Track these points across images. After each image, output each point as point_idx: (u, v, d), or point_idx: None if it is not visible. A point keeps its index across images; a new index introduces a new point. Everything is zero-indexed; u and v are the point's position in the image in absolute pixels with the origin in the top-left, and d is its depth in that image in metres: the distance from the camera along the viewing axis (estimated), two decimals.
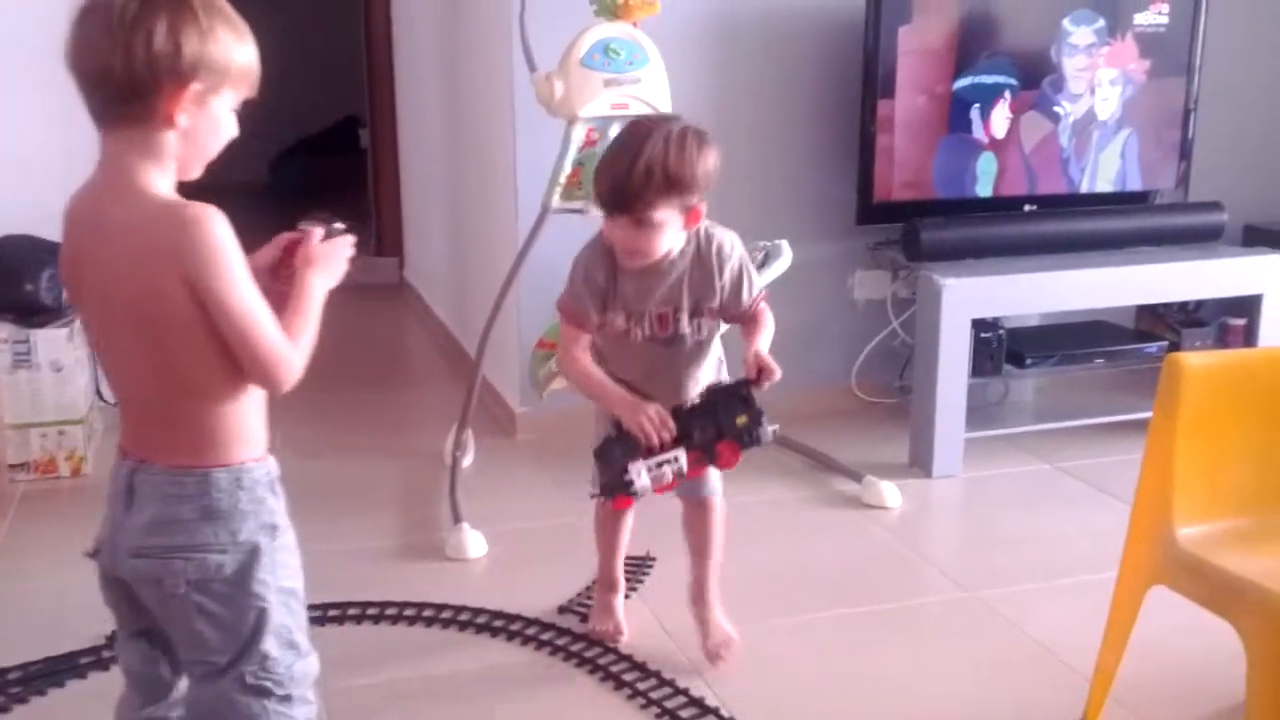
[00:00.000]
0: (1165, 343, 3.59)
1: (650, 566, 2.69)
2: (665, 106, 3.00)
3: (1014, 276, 3.33)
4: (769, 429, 2.08)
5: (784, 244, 2.80)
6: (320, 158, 8.74)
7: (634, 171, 2.02)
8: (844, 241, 3.69)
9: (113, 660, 2.32)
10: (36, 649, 2.35)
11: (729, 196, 3.63)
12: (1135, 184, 3.72)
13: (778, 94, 3.65)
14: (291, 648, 1.50)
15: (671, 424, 2.08)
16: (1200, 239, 3.62)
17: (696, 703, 2.18)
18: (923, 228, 3.37)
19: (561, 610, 2.52)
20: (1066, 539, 2.91)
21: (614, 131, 3.00)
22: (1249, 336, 3.55)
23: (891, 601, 2.55)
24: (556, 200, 2.99)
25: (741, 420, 2.08)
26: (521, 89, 3.28)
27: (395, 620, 2.51)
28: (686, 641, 2.38)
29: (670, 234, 2.09)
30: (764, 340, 2.17)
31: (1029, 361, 3.48)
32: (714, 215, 3.58)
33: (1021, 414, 3.76)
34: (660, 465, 2.06)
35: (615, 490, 2.08)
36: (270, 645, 1.47)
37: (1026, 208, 3.60)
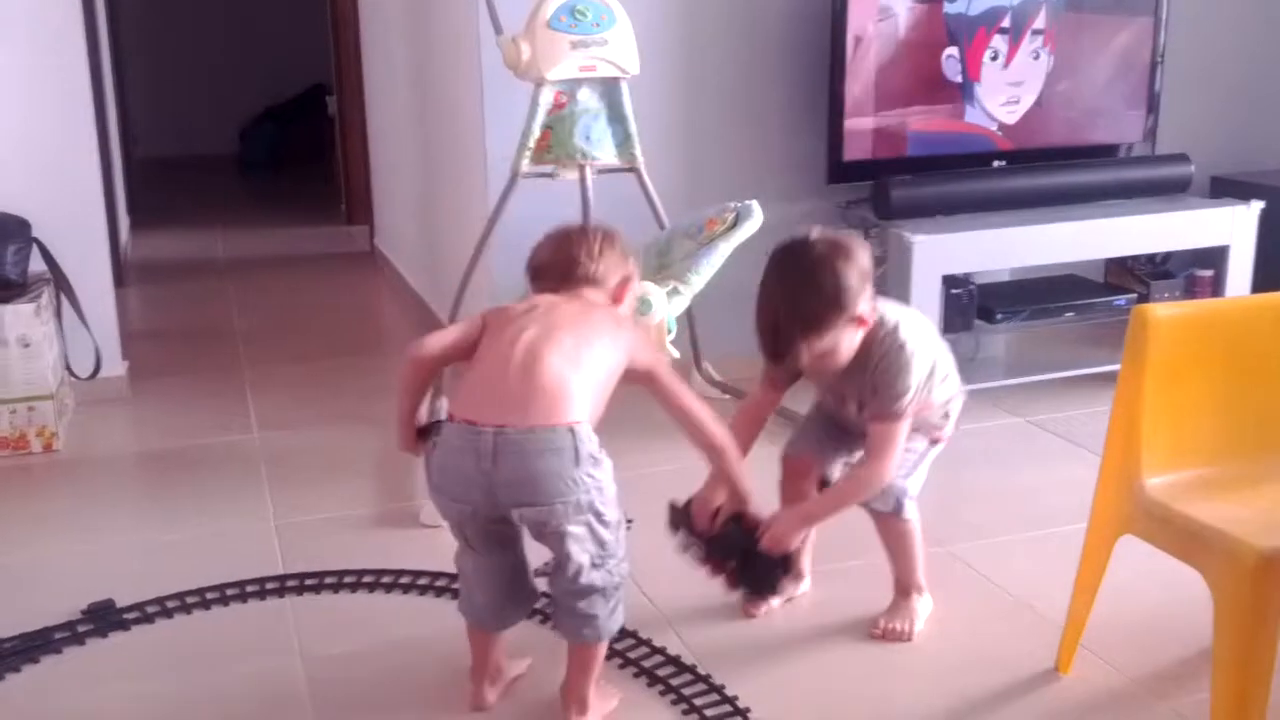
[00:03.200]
0: (1134, 295, 3.61)
1: (627, 528, 2.69)
2: (633, 69, 2.99)
3: (984, 232, 3.34)
4: (761, 590, 2.23)
5: (754, 204, 2.80)
6: (289, 126, 8.68)
7: (777, 333, 2.05)
8: (814, 201, 3.68)
9: (88, 635, 2.32)
10: (11, 626, 2.35)
11: (699, 158, 3.64)
12: (1103, 137, 3.73)
13: (746, 53, 3.63)
14: (617, 528, 1.94)
15: (706, 521, 2.18)
16: (1168, 191, 3.64)
17: (673, 661, 2.20)
18: (892, 185, 3.37)
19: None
20: (1038, 492, 2.94)
21: (582, 94, 2.98)
22: (1216, 287, 3.57)
23: (864, 557, 2.56)
24: (526, 164, 2.98)
25: (730, 564, 2.19)
26: (488, 52, 3.26)
27: (372, 588, 2.51)
28: (663, 601, 2.40)
29: (845, 347, 2.08)
30: (821, 505, 2.22)
31: (999, 316, 3.49)
32: (687, 178, 3.59)
33: (993, 369, 3.77)
34: (686, 547, 2.21)
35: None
36: (607, 534, 1.91)
37: (995, 163, 3.60)
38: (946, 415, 2.30)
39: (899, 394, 2.09)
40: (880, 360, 2.10)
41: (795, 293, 2.03)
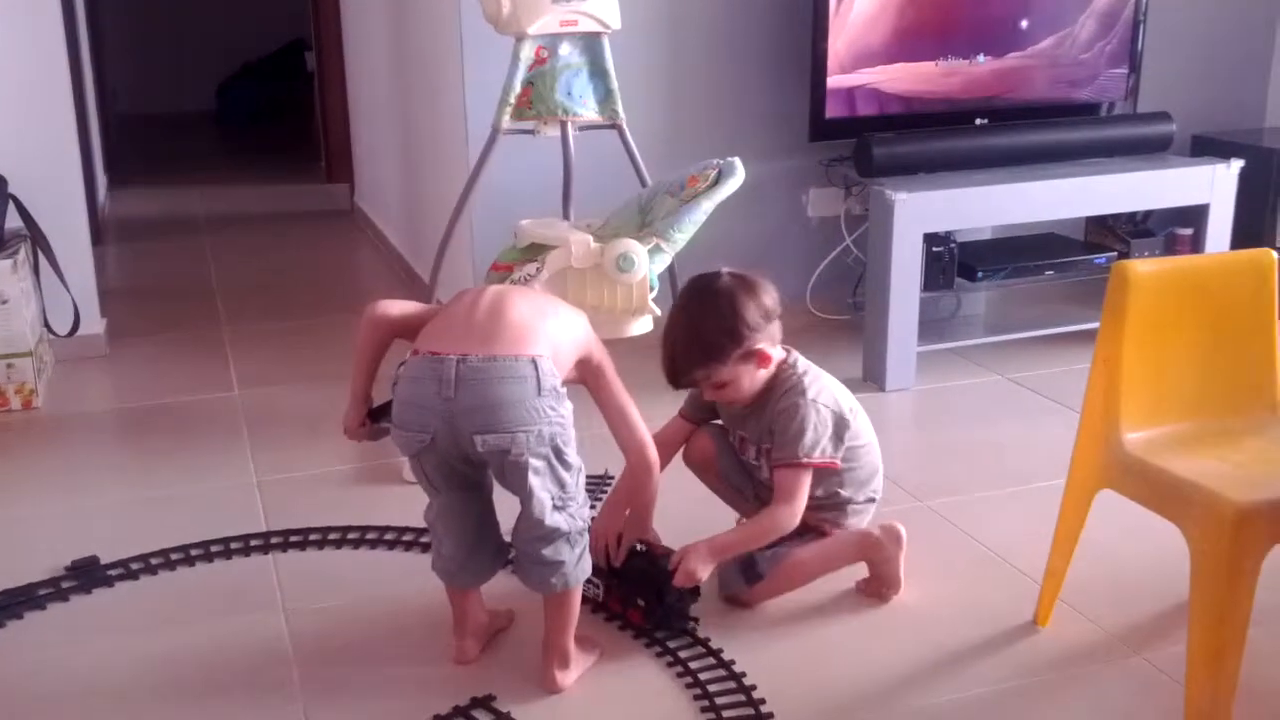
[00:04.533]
0: (1114, 253, 3.62)
1: (609, 484, 2.71)
2: (615, 23, 2.97)
3: (965, 190, 3.34)
4: (674, 623, 2.14)
5: (736, 161, 2.79)
6: (267, 83, 8.60)
7: (674, 358, 2.12)
8: (797, 159, 3.68)
9: (71, 591, 2.32)
10: None
11: (681, 114, 3.63)
12: (1085, 96, 3.73)
13: (729, 10, 3.61)
14: (577, 473, 1.94)
15: (612, 557, 2.16)
16: (1149, 150, 3.64)
17: None
18: (874, 143, 3.37)
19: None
20: (1017, 448, 2.96)
21: (563, 49, 2.96)
22: (1196, 246, 3.58)
23: None
24: (506, 121, 2.96)
25: (640, 602, 2.15)
26: (468, 6, 3.23)
27: (357, 544, 2.52)
28: None
29: (746, 380, 2.14)
30: (733, 538, 2.18)
31: (980, 275, 3.50)
32: (669, 135, 3.58)
33: (973, 327, 3.80)
34: (588, 582, 2.07)
35: None
36: (567, 476, 1.91)
37: (978, 121, 3.60)
38: (861, 502, 2.28)
39: (794, 437, 2.12)
40: (779, 402, 2.15)
41: (694, 320, 2.11)
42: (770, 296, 2.14)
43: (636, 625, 2.18)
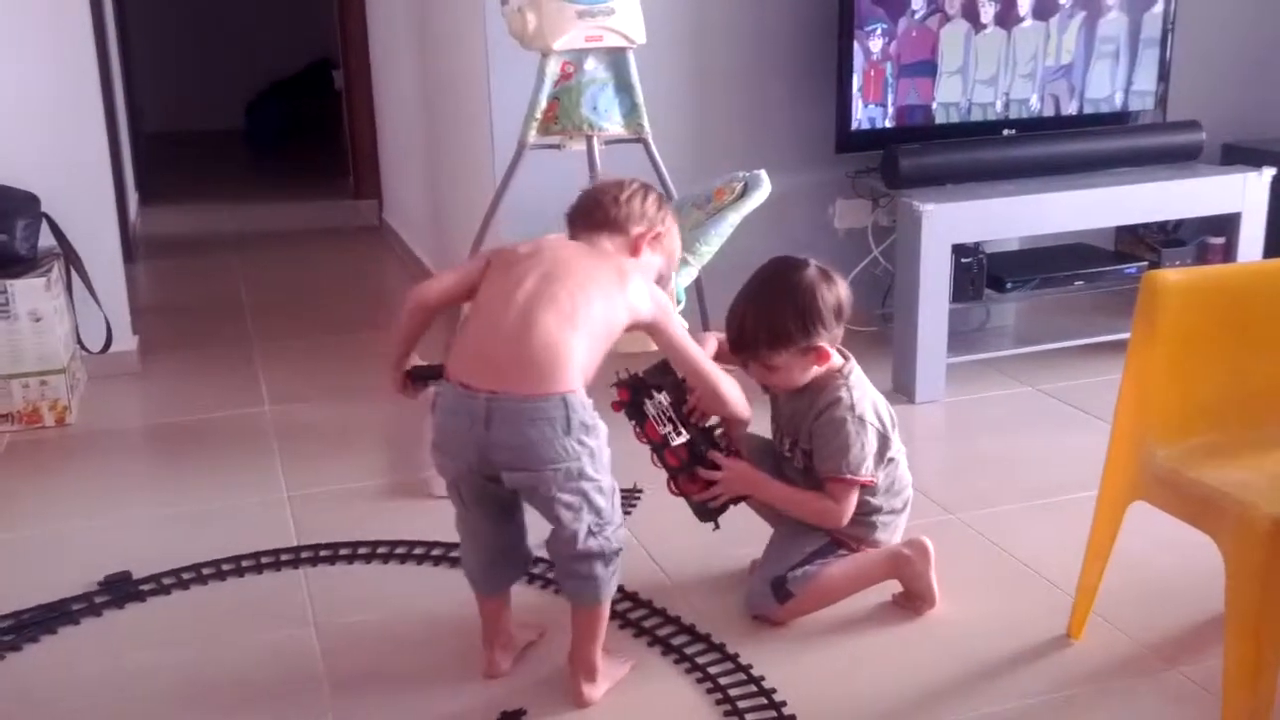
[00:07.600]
0: (1145, 263, 3.60)
1: (638, 498, 2.71)
2: (640, 38, 2.97)
3: (993, 201, 3.33)
4: (709, 517, 2.19)
5: (762, 174, 2.79)
6: (295, 101, 8.66)
7: (742, 329, 2.14)
8: (824, 171, 3.68)
9: (105, 606, 2.34)
10: (28, 597, 2.36)
11: (706, 128, 3.63)
12: (1114, 105, 3.71)
13: (754, 22, 3.61)
14: (612, 494, 1.95)
15: (703, 429, 2.17)
16: (1179, 158, 3.61)
17: (686, 629, 2.21)
18: (901, 154, 3.36)
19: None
20: (1048, 460, 2.94)
21: (589, 64, 2.97)
22: (1228, 255, 3.56)
23: None
24: (533, 136, 2.97)
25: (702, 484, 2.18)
26: (494, 22, 3.25)
27: (385, 559, 2.52)
28: (674, 570, 2.42)
29: (798, 372, 2.15)
30: (778, 489, 2.20)
31: (1009, 285, 3.48)
32: (695, 148, 3.58)
33: (1003, 338, 3.78)
34: (669, 419, 2.12)
35: (637, 393, 2.14)
36: (602, 501, 1.92)
37: (1005, 131, 3.59)
38: (881, 517, 2.26)
39: (839, 451, 2.13)
40: (823, 405, 2.15)
41: (770, 301, 2.13)
42: (847, 298, 2.15)
43: (675, 484, 2.18)
